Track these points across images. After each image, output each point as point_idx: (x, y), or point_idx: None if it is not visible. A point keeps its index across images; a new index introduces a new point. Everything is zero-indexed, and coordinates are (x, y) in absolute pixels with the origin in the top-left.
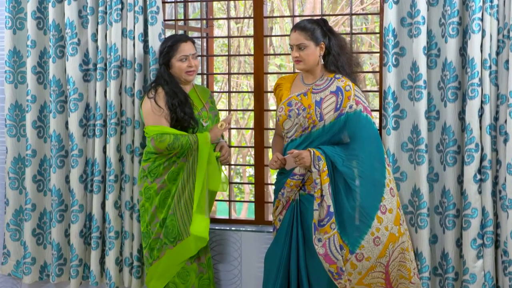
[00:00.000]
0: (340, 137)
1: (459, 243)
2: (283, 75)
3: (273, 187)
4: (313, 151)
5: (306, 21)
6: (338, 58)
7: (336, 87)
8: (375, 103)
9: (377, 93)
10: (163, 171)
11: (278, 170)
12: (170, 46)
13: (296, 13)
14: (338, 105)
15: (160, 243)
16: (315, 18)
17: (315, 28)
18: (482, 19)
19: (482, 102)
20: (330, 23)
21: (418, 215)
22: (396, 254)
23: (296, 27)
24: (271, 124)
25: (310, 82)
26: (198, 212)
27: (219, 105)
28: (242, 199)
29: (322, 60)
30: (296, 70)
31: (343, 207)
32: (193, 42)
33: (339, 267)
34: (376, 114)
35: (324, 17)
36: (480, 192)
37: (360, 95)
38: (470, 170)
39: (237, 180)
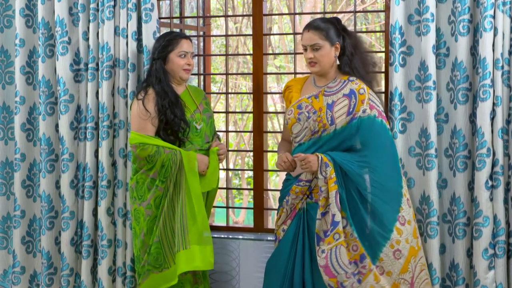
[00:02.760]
0: (350, 143)
1: (469, 253)
2: (296, 76)
3: (273, 192)
4: (321, 157)
5: (320, 20)
6: (352, 58)
7: (349, 90)
8: None
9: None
10: (148, 195)
11: (285, 177)
12: (169, 40)
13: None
14: (351, 109)
15: (144, 269)
16: (329, 17)
17: (330, 27)
18: (494, 17)
19: (494, 104)
20: None
21: (427, 224)
22: (419, 270)
23: (310, 27)
24: (270, 126)
25: (323, 84)
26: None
27: (218, 107)
28: (241, 201)
29: (338, 61)
30: (298, 71)
31: (360, 216)
32: (191, 42)
33: (340, 281)
34: None
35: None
36: (491, 199)
37: (375, 99)
38: (482, 176)
39: (236, 181)
